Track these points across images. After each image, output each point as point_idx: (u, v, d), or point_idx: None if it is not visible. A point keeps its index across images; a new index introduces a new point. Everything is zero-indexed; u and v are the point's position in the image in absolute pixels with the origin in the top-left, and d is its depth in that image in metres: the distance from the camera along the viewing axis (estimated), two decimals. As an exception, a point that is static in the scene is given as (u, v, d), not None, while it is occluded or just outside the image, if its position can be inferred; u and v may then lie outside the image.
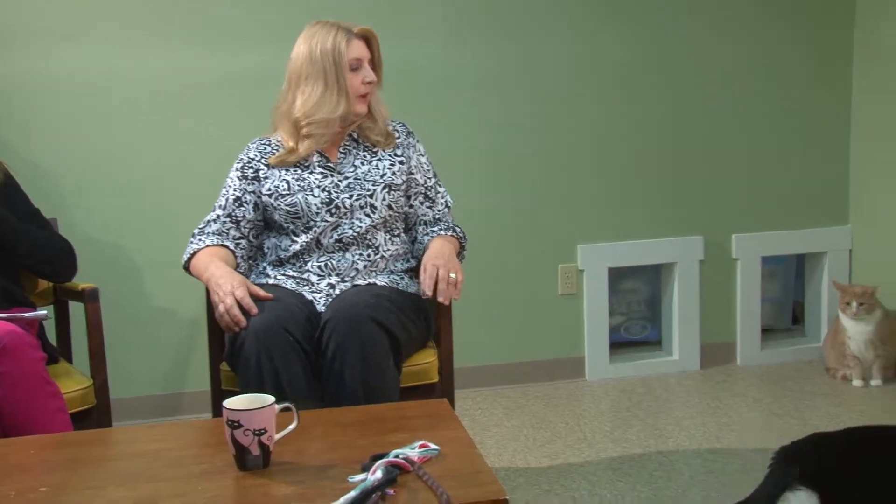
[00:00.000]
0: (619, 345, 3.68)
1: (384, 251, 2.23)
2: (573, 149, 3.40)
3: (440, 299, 2.07)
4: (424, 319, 2.20)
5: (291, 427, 1.60)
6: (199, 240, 2.21)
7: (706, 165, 3.53)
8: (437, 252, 2.16)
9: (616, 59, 3.39)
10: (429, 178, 2.34)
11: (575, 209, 3.44)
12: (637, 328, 3.73)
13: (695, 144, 3.50)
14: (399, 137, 2.32)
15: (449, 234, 2.30)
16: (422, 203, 2.33)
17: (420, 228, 2.33)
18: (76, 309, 2.43)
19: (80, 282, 2.38)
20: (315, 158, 2.23)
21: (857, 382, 3.33)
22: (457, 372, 3.39)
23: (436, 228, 2.32)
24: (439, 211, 2.35)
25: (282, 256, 2.22)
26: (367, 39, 2.23)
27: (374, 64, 2.26)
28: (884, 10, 3.43)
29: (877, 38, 3.49)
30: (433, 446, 1.54)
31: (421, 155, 2.34)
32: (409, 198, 2.31)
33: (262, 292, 2.03)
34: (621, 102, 3.42)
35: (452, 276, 2.07)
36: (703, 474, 2.56)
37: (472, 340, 3.37)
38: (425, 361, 2.17)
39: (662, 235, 3.53)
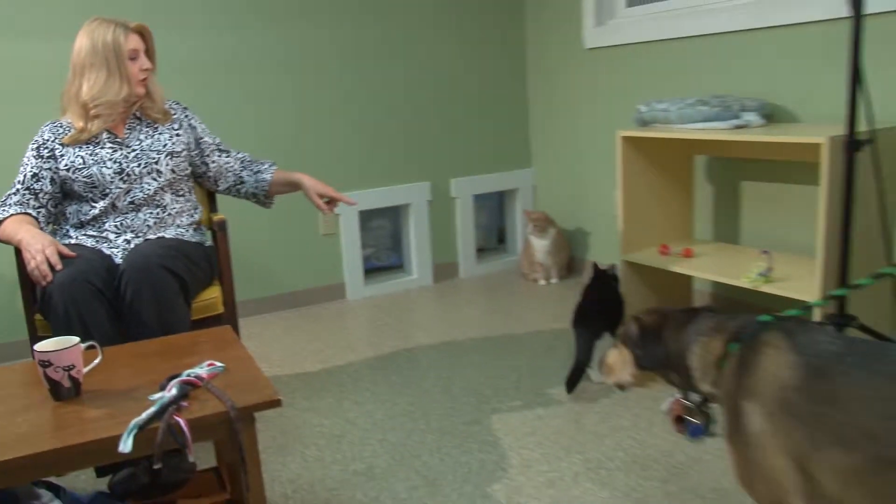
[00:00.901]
0: (372, 270, 3.79)
1: (171, 209, 2.19)
2: (328, 115, 3.43)
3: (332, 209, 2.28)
4: (208, 262, 2.20)
5: (97, 361, 1.58)
6: (3, 210, 2.06)
7: (430, 126, 3.68)
8: (318, 183, 2.29)
9: (356, 40, 3.44)
10: (214, 137, 2.35)
11: (331, 163, 3.48)
12: (385, 256, 3.86)
13: (420, 109, 3.65)
14: (175, 114, 2.28)
15: (277, 167, 2.37)
16: (220, 155, 2.34)
17: (245, 173, 2.36)
18: None
19: None
20: (105, 136, 2.14)
21: (542, 282, 3.69)
22: (243, 303, 3.40)
23: (265, 165, 2.37)
24: (241, 153, 2.39)
25: (82, 220, 2.12)
26: (142, 33, 2.16)
27: (149, 53, 2.18)
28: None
29: (542, 13, 3.74)
30: (219, 364, 1.55)
31: (200, 122, 2.33)
32: (207, 156, 2.31)
33: (67, 250, 1.94)
34: (367, 77, 3.48)
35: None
36: (438, 361, 2.73)
37: (254, 276, 3.38)
38: (211, 297, 2.16)
39: (399, 182, 3.67)
